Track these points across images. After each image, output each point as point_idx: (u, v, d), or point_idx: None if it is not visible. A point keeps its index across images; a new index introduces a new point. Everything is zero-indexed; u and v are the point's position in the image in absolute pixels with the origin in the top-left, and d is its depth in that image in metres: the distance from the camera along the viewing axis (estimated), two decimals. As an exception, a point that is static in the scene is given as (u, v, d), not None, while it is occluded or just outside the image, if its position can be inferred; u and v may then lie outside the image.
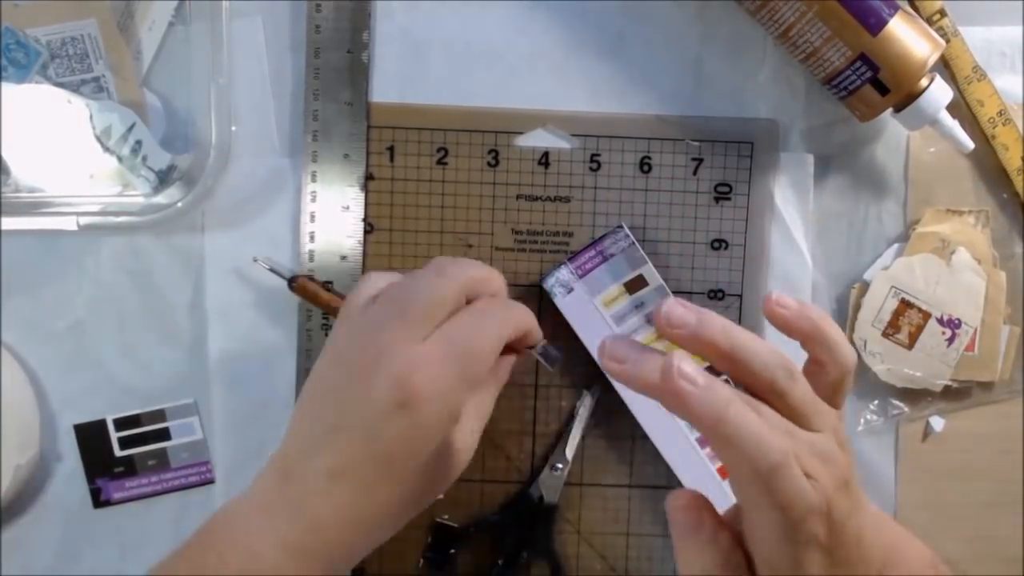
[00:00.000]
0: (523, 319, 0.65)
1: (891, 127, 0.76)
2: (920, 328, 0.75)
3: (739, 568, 0.56)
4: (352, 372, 0.61)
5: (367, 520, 0.61)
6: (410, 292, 0.62)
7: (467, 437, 0.66)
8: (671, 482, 0.76)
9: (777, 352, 0.55)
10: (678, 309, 0.55)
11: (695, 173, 0.76)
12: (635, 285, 0.74)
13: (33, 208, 0.73)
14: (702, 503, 0.57)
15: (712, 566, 0.56)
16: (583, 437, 0.77)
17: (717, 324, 0.55)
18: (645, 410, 0.74)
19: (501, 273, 0.67)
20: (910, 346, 0.75)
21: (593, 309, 0.74)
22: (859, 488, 0.58)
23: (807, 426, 0.55)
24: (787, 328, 0.58)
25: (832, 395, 0.58)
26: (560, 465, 0.77)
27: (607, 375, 0.60)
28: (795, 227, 0.76)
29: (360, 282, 0.66)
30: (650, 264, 0.74)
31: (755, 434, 0.52)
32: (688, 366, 0.53)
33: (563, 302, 0.74)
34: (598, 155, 0.75)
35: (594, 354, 0.75)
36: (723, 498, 0.64)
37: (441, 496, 0.71)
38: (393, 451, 0.59)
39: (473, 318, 0.62)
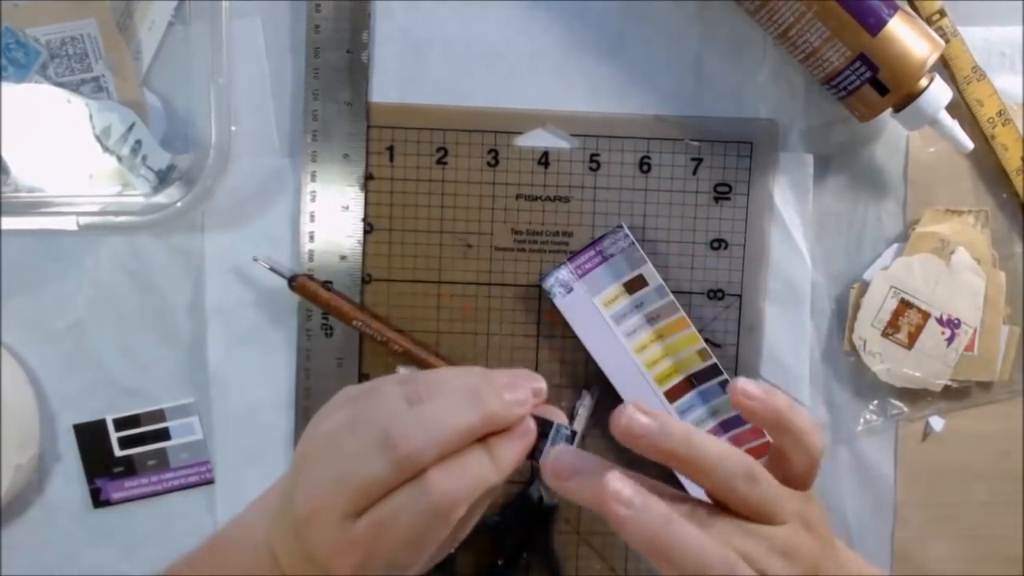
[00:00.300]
0: (488, 486, 0.57)
1: (891, 127, 0.76)
2: (920, 328, 0.75)
3: None
4: (294, 510, 0.57)
5: None
6: (352, 475, 0.56)
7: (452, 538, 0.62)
8: (671, 482, 0.76)
9: (737, 456, 0.55)
10: (639, 420, 0.55)
11: (695, 173, 0.76)
12: (635, 285, 0.74)
13: (33, 208, 0.73)
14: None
15: None
16: (583, 437, 0.77)
17: (678, 434, 0.54)
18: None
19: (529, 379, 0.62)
20: (910, 346, 0.75)
21: (593, 309, 0.74)
22: (836, 551, 0.60)
23: (770, 522, 0.55)
24: (753, 418, 0.57)
25: (800, 480, 0.58)
26: (559, 466, 0.76)
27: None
28: (795, 227, 0.76)
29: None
30: (650, 264, 0.74)
31: (694, 550, 0.52)
32: (625, 489, 0.53)
33: (563, 302, 0.74)
34: (598, 155, 0.75)
35: (593, 355, 0.75)
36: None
37: None
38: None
39: (417, 513, 0.55)
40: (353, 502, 0.55)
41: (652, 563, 0.53)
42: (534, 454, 0.60)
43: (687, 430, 0.55)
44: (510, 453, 0.58)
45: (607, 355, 0.75)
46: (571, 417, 0.77)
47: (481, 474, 0.56)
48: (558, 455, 0.57)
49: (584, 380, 0.76)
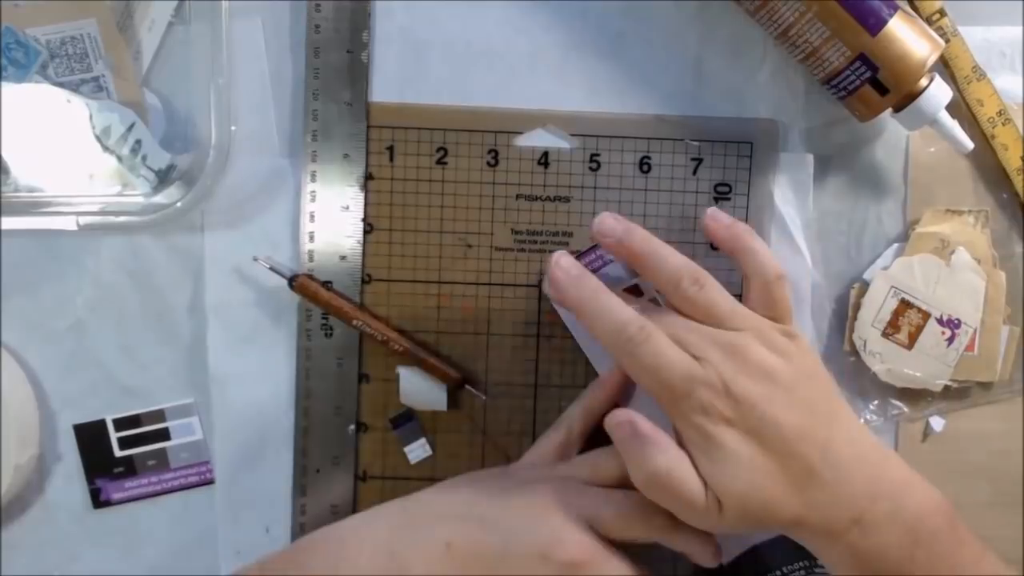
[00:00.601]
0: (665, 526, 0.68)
1: (891, 127, 0.76)
2: (920, 328, 0.75)
3: (679, 466, 0.63)
4: (533, 500, 0.67)
5: None
6: (613, 506, 0.68)
7: None
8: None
9: (687, 262, 0.67)
10: (609, 221, 0.68)
11: (695, 173, 0.76)
12: (634, 291, 0.74)
13: (33, 208, 0.73)
14: (635, 416, 0.64)
15: (653, 465, 0.63)
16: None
17: (638, 235, 0.67)
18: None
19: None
20: (910, 346, 0.75)
21: None
22: (833, 404, 0.66)
23: (719, 326, 0.65)
24: (717, 240, 0.71)
25: (769, 307, 0.68)
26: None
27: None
28: (795, 227, 0.76)
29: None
30: None
31: (614, 312, 0.65)
32: (566, 260, 0.68)
33: (560, 306, 0.74)
34: (598, 155, 0.75)
35: (591, 359, 0.75)
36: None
37: None
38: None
39: (634, 566, 0.67)
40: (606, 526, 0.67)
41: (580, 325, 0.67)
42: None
43: (648, 235, 0.68)
44: None
45: (605, 359, 0.75)
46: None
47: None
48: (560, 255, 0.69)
49: (584, 381, 0.76)
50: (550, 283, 0.68)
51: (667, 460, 0.63)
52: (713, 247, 0.76)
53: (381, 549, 0.66)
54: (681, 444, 0.64)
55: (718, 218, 0.70)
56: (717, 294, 0.66)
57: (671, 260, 0.66)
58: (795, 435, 0.62)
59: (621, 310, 0.65)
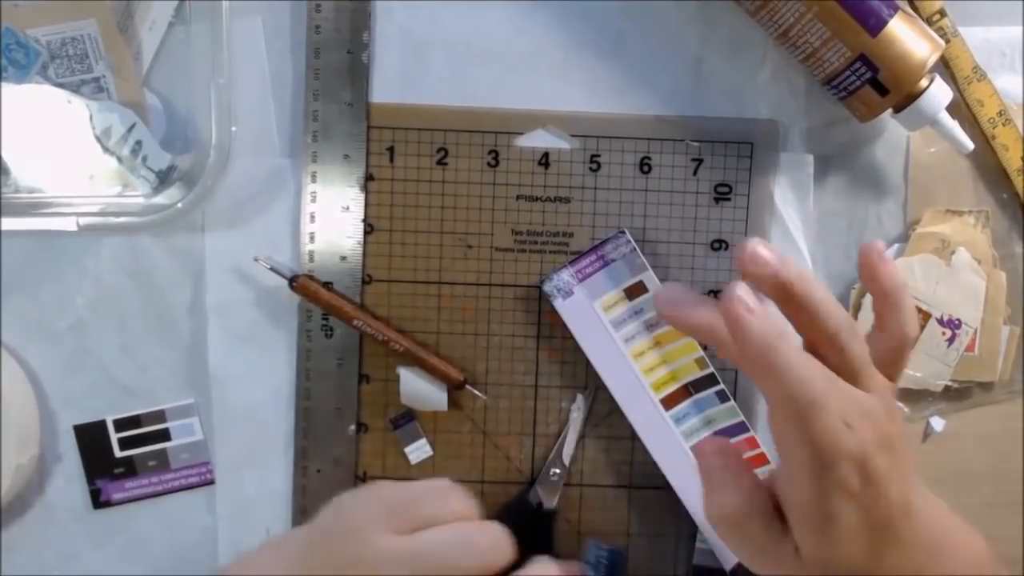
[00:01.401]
0: None
1: (891, 127, 0.76)
2: (920, 328, 0.75)
3: (762, 512, 0.57)
4: None
5: None
6: None
7: None
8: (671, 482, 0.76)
9: (844, 310, 0.57)
10: (763, 250, 0.56)
11: (695, 173, 0.76)
12: (635, 291, 0.74)
13: (33, 208, 0.72)
14: (729, 449, 0.60)
15: (734, 504, 0.57)
16: (582, 438, 0.77)
17: (795, 269, 0.56)
18: (636, 410, 0.74)
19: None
20: None
21: (592, 313, 0.74)
22: (914, 469, 0.59)
23: (858, 385, 0.56)
24: (870, 275, 0.60)
25: (889, 368, 0.60)
26: (557, 471, 0.77)
27: (663, 319, 0.63)
28: (795, 227, 0.76)
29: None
30: (651, 271, 0.74)
31: (801, 367, 0.54)
32: (747, 294, 0.54)
33: (562, 305, 0.74)
34: (598, 155, 0.75)
35: (591, 359, 0.75)
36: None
37: None
38: None
39: None
40: None
41: (756, 379, 0.56)
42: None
43: (804, 271, 0.56)
44: None
45: (605, 360, 0.75)
46: (565, 420, 0.77)
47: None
48: (667, 286, 0.63)
49: (584, 381, 0.76)
50: (733, 326, 0.56)
51: (749, 502, 0.58)
52: (713, 247, 0.76)
53: None
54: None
55: (886, 255, 0.59)
56: (864, 348, 0.58)
57: (832, 304, 0.57)
58: (899, 510, 0.58)
59: (808, 366, 0.55)
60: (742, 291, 0.54)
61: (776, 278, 0.55)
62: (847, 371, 0.56)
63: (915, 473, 0.60)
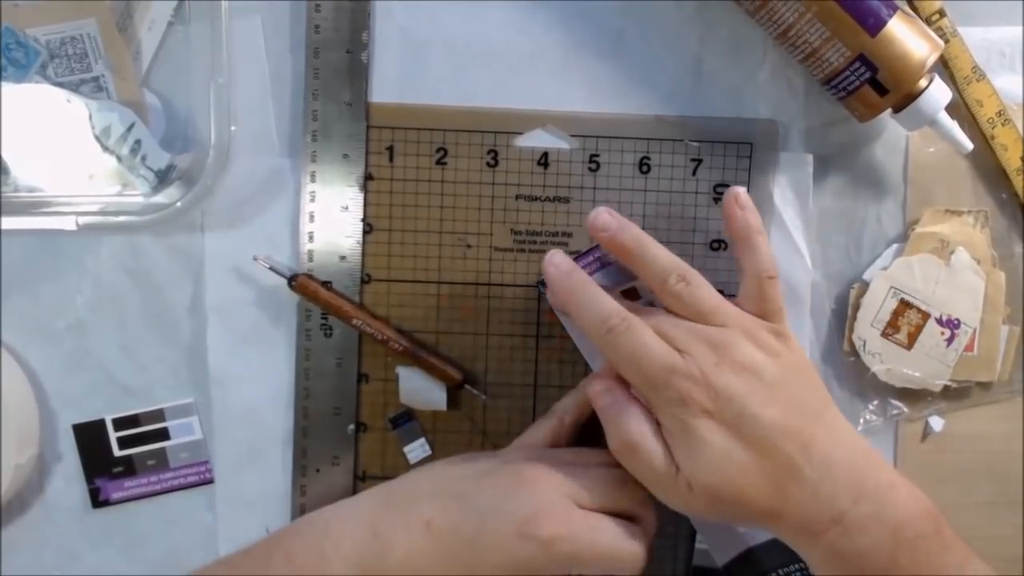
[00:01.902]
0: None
1: (890, 127, 0.75)
2: (919, 328, 0.75)
3: (651, 436, 0.65)
4: (510, 476, 0.67)
5: None
6: (591, 474, 0.68)
7: None
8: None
9: (676, 260, 0.66)
10: (604, 216, 0.67)
11: (694, 174, 0.75)
12: (631, 295, 0.74)
13: (33, 208, 0.72)
14: (616, 385, 0.67)
15: (625, 433, 0.65)
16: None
17: (631, 232, 0.67)
18: None
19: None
20: (909, 346, 0.75)
21: None
22: (821, 405, 0.65)
23: (705, 322, 0.65)
24: (728, 220, 0.69)
25: (759, 304, 0.67)
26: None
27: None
28: (794, 227, 0.76)
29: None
30: None
31: (599, 304, 0.65)
32: (559, 257, 0.68)
33: (570, 325, 0.74)
34: (597, 155, 0.75)
35: (588, 361, 0.75)
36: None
37: None
38: (484, 554, 0.64)
39: (616, 532, 0.66)
40: (592, 495, 0.67)
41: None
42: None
43: (641, 233, 0.67)
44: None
45: (598, 360, 0.75)
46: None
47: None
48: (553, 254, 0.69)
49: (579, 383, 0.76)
50: (544, 279, 0.69)
51: (640, 428, 0.64)
52: (712, 247, 0.76)
53: (365, 529, 0.66)
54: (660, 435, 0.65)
55: (741, 201, 0.68)
56: (704, 291, 0.66)
57: (661, 257, 0.66)
58: (776, 431, 0.62)
59: (605, 302, 0.65)
60: (555, 256, 0.68)
61: (613, 241, 0.67)
62: (693, 314, 0.65)
63: (826, 411, 0.65)
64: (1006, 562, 0.78)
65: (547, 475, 0.66)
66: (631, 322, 0.64)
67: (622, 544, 0.65)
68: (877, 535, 0.61)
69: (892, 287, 0.75)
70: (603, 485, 0.67)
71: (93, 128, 0.73)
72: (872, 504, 0.62)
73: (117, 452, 0.76)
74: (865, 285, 0.76)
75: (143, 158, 0.73)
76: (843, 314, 0.77)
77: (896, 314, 0.75)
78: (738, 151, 0.75)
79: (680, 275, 0.65)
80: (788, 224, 0.76)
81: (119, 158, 0.73)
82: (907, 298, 0.75)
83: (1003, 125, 0.74)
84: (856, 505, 0.62)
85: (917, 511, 0.63)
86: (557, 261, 0.67)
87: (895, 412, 0.77)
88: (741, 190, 0.68)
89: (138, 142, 0.73)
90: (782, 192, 0.76)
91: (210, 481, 0.77)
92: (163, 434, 0.76)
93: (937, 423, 0.77)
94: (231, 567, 0.67)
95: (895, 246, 0.76)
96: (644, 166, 0.75)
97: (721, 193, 0.75)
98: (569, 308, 0.67)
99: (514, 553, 0.64)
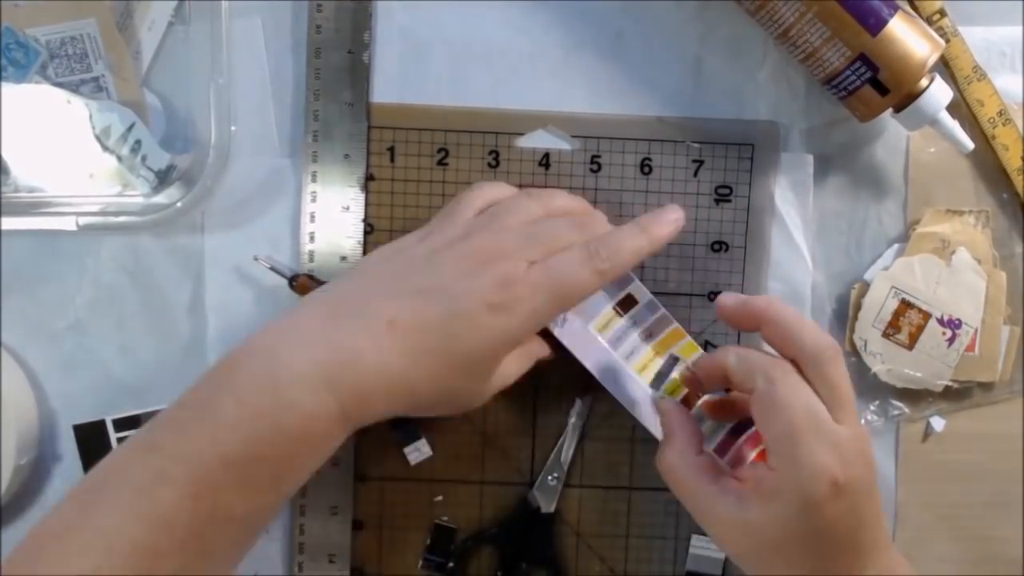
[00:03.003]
0: (620, 256, 0.66)
1: (891, 127, 0.75)
2: (920, 328, 0.74)
3: (697, 468, 0.64)
4: (462, 254, 0.63)
5: (398, 386, 0.61)
6: (539, 227, 0.66)
7: (512, 368, 0.68)
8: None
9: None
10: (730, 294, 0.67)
11: (696, 175, 0.75)
12: (625, 304, 0.73)
13: (33, 208, 0.72)
14: (688, 412, 0.67)
15: (681, 452, 0.64)
16: (582, 439, 0.77)
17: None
18: (652, 424, 0.73)
19: None
20: (910, 346, 0.74)
21: (589, 336, 0.73)
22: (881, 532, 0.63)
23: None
24: (737, 324, 0.68)
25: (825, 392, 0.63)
26: (556, 475, 0.76)
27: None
28: (795, 228, 0.75)
29: (477, 187, 0.70)
30: (637, 280, 0.73)
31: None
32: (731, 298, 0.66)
33: (560, 332, 0.73)
34: (599, 156, 0.75)
35: (600, 380, 0.73)
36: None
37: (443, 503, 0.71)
38: (460, 338, 0.61)
39: (576, 259, 0.64)
40: (538, 250, 0.64)
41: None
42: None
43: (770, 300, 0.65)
44: (661, 229, 0.68)
45: (612, 379, 0.74)
46: (564, 423, 0.76)
47: (638, 244, 0.67)
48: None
49: (584, 382, 0.75)
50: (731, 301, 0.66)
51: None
52: (713, 248, 0.76)
53: (320, 345, 0.59)
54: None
55: (725, 302, 0.66)
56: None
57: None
58: (868, 538, 0.62)
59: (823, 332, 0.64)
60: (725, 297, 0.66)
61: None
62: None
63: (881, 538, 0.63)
64: (1006, 562, 0.78)
65: (500, 241, 0.64)
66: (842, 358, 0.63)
67: (589, 264, 0.64)
68: None
69: (893, 287, 0.74)
70: (549, 235, 0.65)
71: (93, 128, 0.72)
72: None
73: None
74: (866, 285, 0.75)
75: (143, 158, 0.73)
76: (844, 314, 0.76)
77: (897, 314, 0.74)
78: (739, 152, 0.75)
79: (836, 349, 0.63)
80: (788, 224, 0.75)
81: (119, 158, 0.73)
82: (908, 298, 0.74)
83: (1004, 125, 0.74)
84: None
85: None
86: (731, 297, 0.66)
87: (896, 412, 0.77)
88: (719, 297, 0.67)
89: (138, 142, 0.72)
90: (783, 192, 0.75)
91: (210, 481, 0.76)
92: None
93: (938, 423, 0.77)
94: (175, 425, 0.59)
95: (896, 246, 0.76)
96: (645, 167, 0.75)
97: (722, 195, 0.75)
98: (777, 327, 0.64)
99: (490, 328, 0.61)
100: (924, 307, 0.74)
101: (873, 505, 0.61)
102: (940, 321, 0.74)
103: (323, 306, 0.63)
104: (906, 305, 0.74)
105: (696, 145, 0.75)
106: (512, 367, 0.67)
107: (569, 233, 0.66)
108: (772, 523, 0.60)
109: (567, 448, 0.76)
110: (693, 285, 0.76)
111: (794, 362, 0.62)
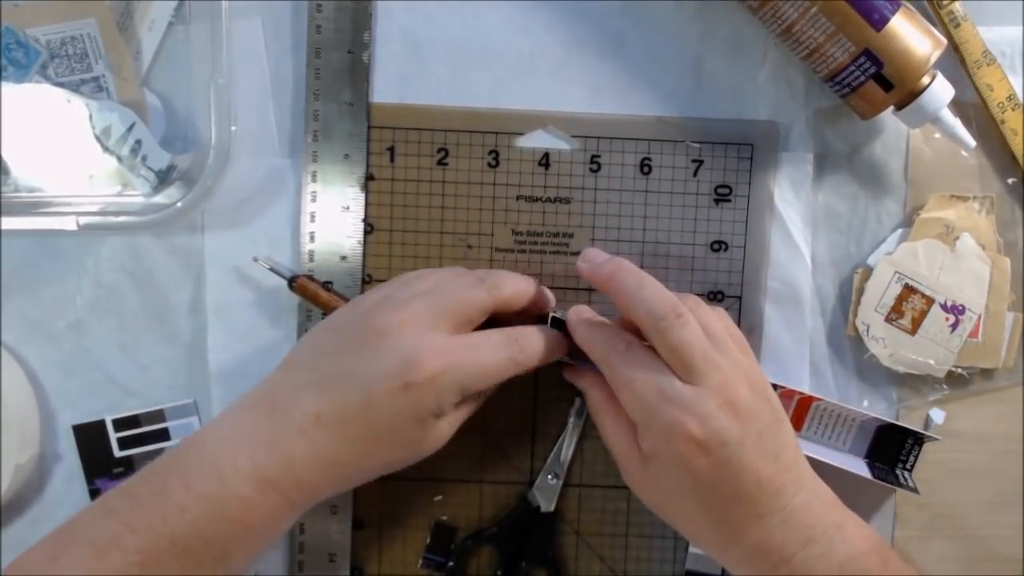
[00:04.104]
0: (536, 351, 0.66)
1: (891, 127, 0.74)
2: (923, 314, 0.73)
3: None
4: (368, 335, 0.62)
5: (337, 471, 0.62)
6: (451, 292, 0.64)
7: (447, 427, 0.64)
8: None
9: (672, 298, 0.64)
10: (592, 251, 0.68)
11: (695, 175, 0.74)
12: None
13: (33, 208, 0.71)
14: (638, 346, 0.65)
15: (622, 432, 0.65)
16: (581, 438, 0.75)
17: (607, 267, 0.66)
18: None
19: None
20: (913, 332, 0.73)
21: None
22: (798, 461, 0.64)
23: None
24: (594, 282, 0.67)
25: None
26: (555, 474, 0.75)
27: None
28: (795, 227, 0.74)
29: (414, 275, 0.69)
30: None
31: (660, 294, 0.63)
32: (596, 254, 0.68)
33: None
34: (598, 156, 0.73)
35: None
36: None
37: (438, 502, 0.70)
38: (381, 420, 0.61)
39: (490, 345, 0.64)
40: (450, 314, 0.63)
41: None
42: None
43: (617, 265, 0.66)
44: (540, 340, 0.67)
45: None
46: (565, 421, 0.75)
47: (552, 345, 0.67)
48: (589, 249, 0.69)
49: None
50: (585, 267, 0.67)
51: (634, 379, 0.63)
52: (713, 248, 0.74)
53: (257, 443, 0.60)
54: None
55: (588, 258, 0.68)
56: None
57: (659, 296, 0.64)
58: (752, 485, 0.61)
59: (666, 295, 0.63)
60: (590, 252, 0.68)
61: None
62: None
63: (796, 459, 0.64)
64: (1006, 562, 0.77)
65: (402, 315, 0.63)
66: (687, 319, 0.62)
67: (505, 351, 0.64)
68: (823, 573, 0.61)
69: (896, 272, 0.73)
70: (462, 302, 0.64)
71: (93, 128, 0.71)
72: (821, 546, 0.62)
73: (117, 453, 0.74)
74: (869, 270, 0.74)
75: (143, 158, 0.72)
76: (845, 308, 0.75)
77: (900, 299, 0.73)
78: (739, 152, 0.74)
79: (677, 313, 0.62)
80: (788, 224, 0.74)
81: (119, 158, 0.72)
82: (911, 283, 0.73)
83: (1013, 110, 0.72)
84: (806, 548, 0.61)
85: (864, 548, 0.63)
86: (596, 256, 0.68)
87: (897, 398, 0.76)
88: (580, 262, 0.68)
89: (138, 142, 0.71)
90: (782, 192, 0.74)
91: (210, 482, 0.74)
92: (163, 434, 0.74)
93: (938, 415, 0.76)
94: (132, 498, 0.60)
95: (900, 231, 0.75)
96: (645, 167, 0.74)
97: (722, 194, 0.74)
98: (621, 290, 0.64)
99: (407, 407, 0.60)
100: (927, 292, 0.73)
101: (754, 452, 0.61)
102: (943, 307, 0.73)
103: (259, 404, 0.63)
104: (909, 290, 0.73)
105: (696, 145, 0.73)
106: (457, 416, 0.65)
107: (477, 304, 0.65)
108: (658, 481, 0.63)
109: (567, 447, 0.75)
110: (693, 285, 0.75)
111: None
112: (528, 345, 0.65)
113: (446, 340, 0.62)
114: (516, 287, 0.67)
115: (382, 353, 0.61)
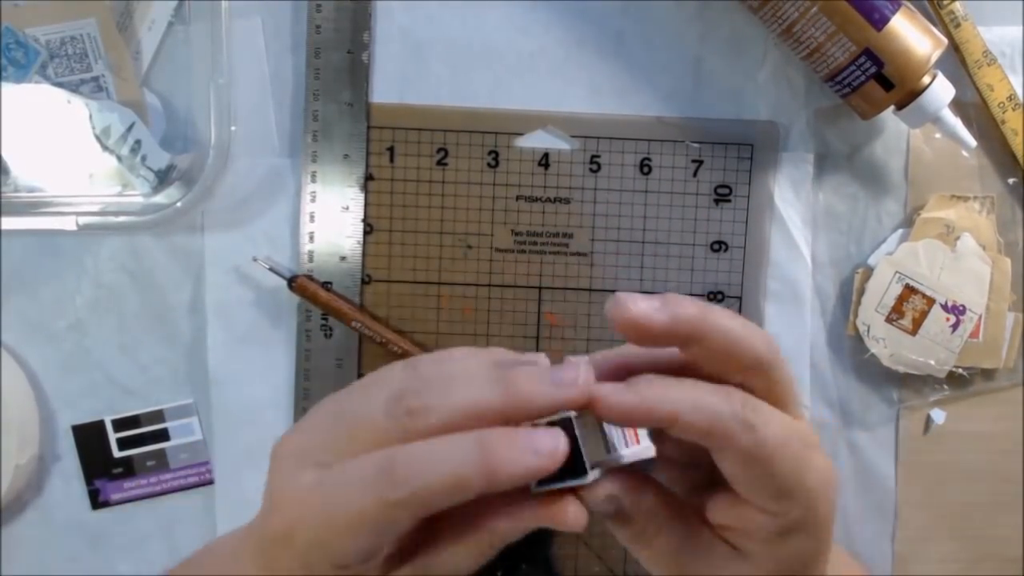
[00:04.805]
0: (432, 480, 0.41)
1: (891, 127, 0.73)
2: (924, 314, 0.72)
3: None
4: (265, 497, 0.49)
5: None
6: (350, 405, 0.47)
7: None
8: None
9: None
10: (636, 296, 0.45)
11: (695, 175, 0.73)
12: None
13: (33, 208, 0.70)
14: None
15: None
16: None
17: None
18: None
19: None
20: (914, 332, 0.72)
21: None
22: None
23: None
24: (651, 340, 0.47)
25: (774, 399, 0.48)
26: (556, 473, 0.73)
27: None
28: (795, 228, 0.73)
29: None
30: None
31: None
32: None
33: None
34: (598, 156, 0.72)
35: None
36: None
37: None
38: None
39: (344, 481, 0.43)
40: (337, 439, 0.45)
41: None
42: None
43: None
44: (513, 455, 0.42)
45: None
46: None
47: (462, 468, 0.41)
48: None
49: (584, 383, 0.72)
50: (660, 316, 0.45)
51: None
52: (713, 248, 0.73)
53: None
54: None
55: (638, 316, 0.45)
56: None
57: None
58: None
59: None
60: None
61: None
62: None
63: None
64: (1006, 562, 0.76)
65: (288, 440, 0.49)
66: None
67: (368, 489, 0.42)
68: None
69: (897, 272, 0.72)
70: (355, 424, 0.45)
71: (93, 128, 0.71)
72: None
73: (117, 453, 0.74)
74: (869, 270, 0.73)
75: (143, 158, 0.71)
76: (845, 309, 0.74)
77: (901, 299, 0.72)
78: (739, 152, 0.73)
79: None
80: (788, 224, 0.73)
81: (119, 158, 0.71)
82: (912, 283, 0.72)
83: (1014, 110, 0.71)
84: None
85: None
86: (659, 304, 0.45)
87: (898, 398, 0.75)
88: (619, 296, 0.46)
89: (138, 142, 0.71)
90: (782, 193, 0.73)
91: (210, 482, 0.74)
92: (163, 435, 0.74)
93: (939, 415, 0.75)
94: None
95: (900, 231, 0.74)
96: (645, 167, 0.73)
97: (722, 194, 0.73)
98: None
99: (282, 568, 0.46)
100: (928, 292, 0.72)
101: None
102: (944, 307, 0.72)
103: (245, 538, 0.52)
104: (910, 290, 0.72)
105: (696, 145, 0.73)
106: None
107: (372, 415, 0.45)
108: (792, 556, 0.48)
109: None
110: (693, 285, 0.74)
111: (720, 376, 0.46)
112: (410, 472, 0.41)
113: (312, 477, 0.45)
114: (478, 403, 0.43)
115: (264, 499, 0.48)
